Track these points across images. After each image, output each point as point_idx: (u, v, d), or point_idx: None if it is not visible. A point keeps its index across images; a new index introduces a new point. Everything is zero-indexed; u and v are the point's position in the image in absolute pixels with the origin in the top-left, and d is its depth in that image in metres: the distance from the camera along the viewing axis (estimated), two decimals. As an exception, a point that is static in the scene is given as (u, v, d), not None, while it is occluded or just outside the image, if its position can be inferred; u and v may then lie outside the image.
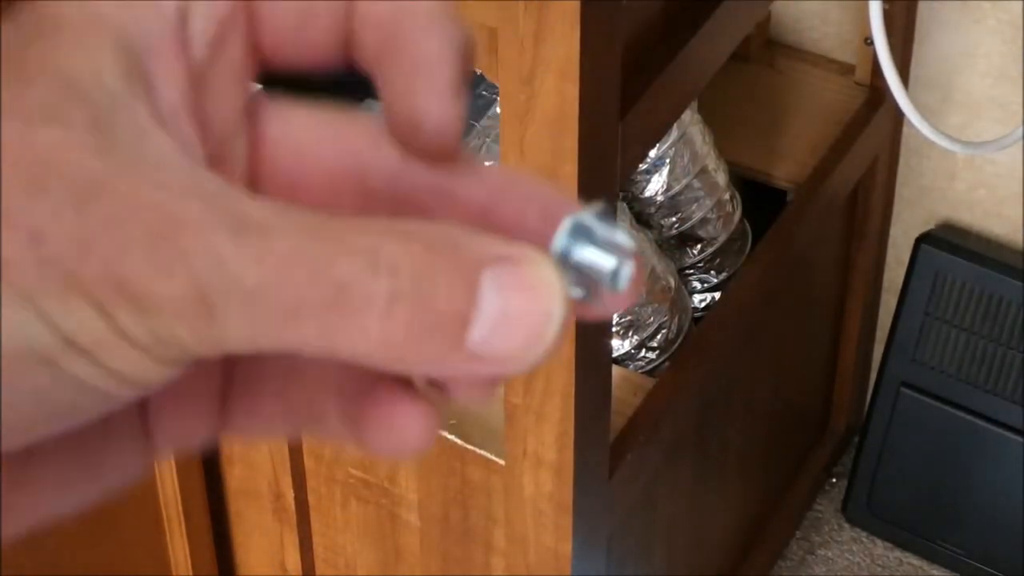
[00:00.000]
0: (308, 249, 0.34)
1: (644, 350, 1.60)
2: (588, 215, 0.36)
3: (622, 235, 0.36)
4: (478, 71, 1.25)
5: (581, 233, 0.36)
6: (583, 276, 0.35)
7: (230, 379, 0.39)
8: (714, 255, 1.70)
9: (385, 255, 0.34)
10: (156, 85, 0.36)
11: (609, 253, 0.36)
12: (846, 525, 2.07)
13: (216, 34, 0.37)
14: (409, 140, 0.38)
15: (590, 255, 0.35)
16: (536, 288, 0.34)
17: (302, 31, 0.39)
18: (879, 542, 2.05)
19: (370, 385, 0.37)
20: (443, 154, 0.38)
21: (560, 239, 0.35)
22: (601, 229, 0.36)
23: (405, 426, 0.37)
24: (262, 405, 0.39)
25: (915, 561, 2.03)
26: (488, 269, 0.34)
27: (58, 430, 0.35)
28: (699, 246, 1.69)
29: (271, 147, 0.39)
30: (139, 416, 0.38)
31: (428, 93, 0.37)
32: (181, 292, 0.34)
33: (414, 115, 0.37)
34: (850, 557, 2.04)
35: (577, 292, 0.36)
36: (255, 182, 0.39)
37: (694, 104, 1.61)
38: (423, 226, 0.35)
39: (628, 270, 0.36)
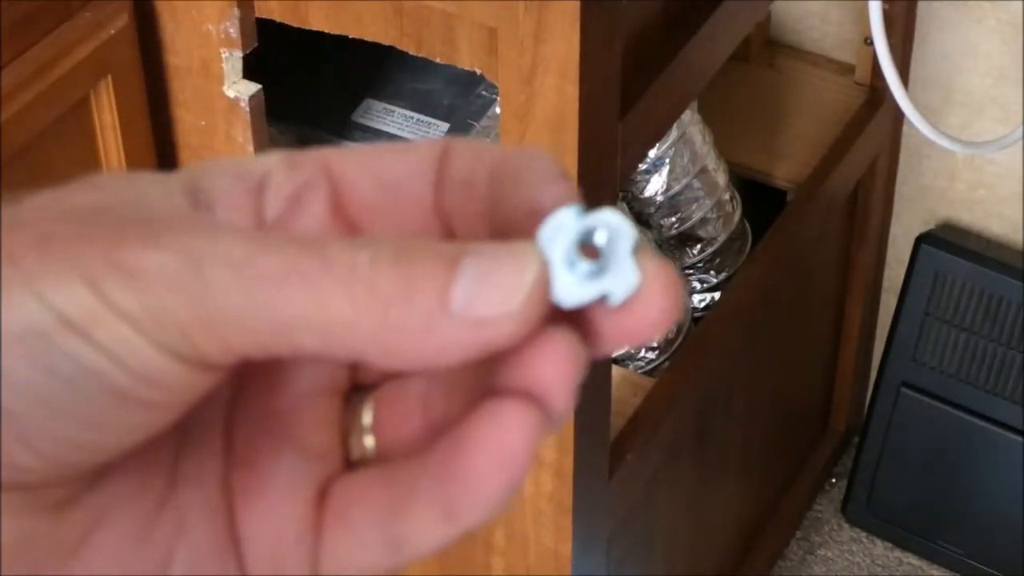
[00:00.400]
0: (298, 236, 0.36)
1: (644, 350, 1.60)
2: (567, 211, 0.36)
3: (608, 214, 0.36)
4: (478, 71, 1.25)
5: (563, 224, 0.36)
6: (587, 266, 0.36)
7: (323, 496, 0.39)
8: (714, 255, 1.70)
9: (368, 240, 0.36)
10: (221, 218, 0.38)
11: (594, 229, 0.36)
12: (846, 525, 2.07)
13: (292, 193, 0.38)
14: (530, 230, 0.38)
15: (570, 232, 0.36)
16: (513, 246, 0.35)
17: (386, 204, 0.39)
18: (879, 542, 2.05)
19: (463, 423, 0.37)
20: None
21: (543, 235, 0.36)
22: (586, 217, 0.36)
23: (511, 424, 0.36)
24: (354, 501, 0.38)
25: (915, 561, 2.03)
26: (469, 251, 0.35)
27: (72, 439, 0.35)
28: (699, 246, 1.69)
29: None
30: (225, 517, 0.39)
31: (539, 183, 0.38)
32: (170, 260, 0.35)
33: (532, 204, 0.38)
34: (850, 557, 2.04)
35: (584, 290, 0.36)
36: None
37: (694, 104, 1.61)
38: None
39: (619, 239, 0.36)
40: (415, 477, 0.37)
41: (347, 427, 0.39)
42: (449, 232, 0.39)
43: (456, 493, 0.36)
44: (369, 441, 0.39)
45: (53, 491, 0.36)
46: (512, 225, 0.38)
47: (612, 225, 0.36)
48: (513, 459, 0.36)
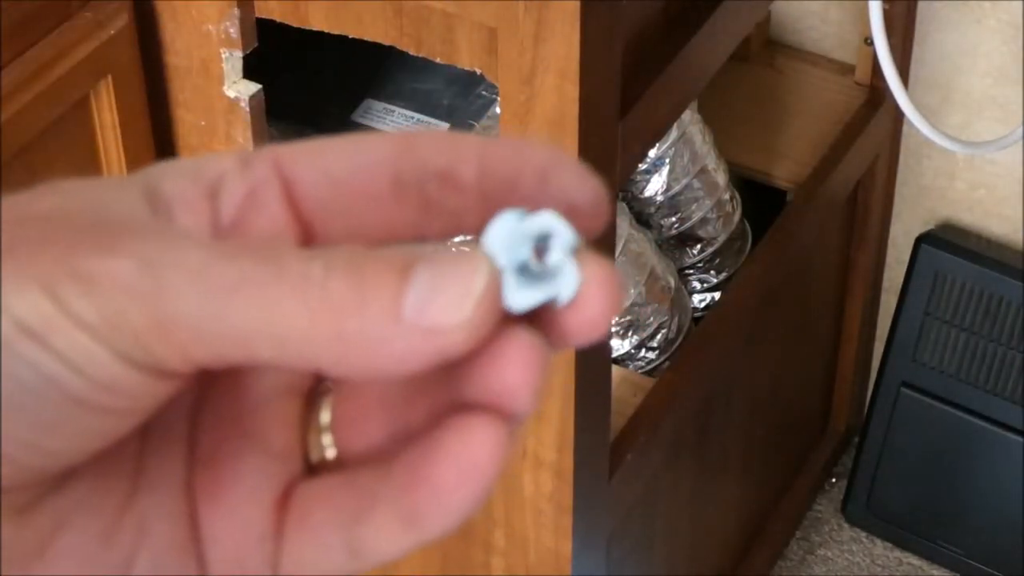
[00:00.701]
0: (254, 245, 0.36)
1: (644, 350, 1.60)
2: (509, 215, 0.37)
3: (549, 217, 0.37)
4: (478, 71, 1.25)
5: (505, 230, 0.37)
6: (529, 271, 0.37)
7: (286, 498, 0.39)
8: (714, 255, 1.70)
9: (323, 251, 0.36)
10: (179, 223, 0.38)
11: (530, 238, 0.37)
12: (846, 525, 2.07)
13: (246, 194, 0.38)
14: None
15: (515, 239, 0.37)
16: (463, 255, 0.36)
17: (339, 201, 0.39)
18: (879, 542, 2.05)
19: (428, 440, 0.37)
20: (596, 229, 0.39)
21: (487, 240, 0.37)
22: (526, 221, 0.37)
23: (479, 439, 0.36)
24: (317, 504, 0.39)
25: (915, 561, 2.03)
26: (421, 259, 0.36)
27: (35, 444, 0.36)
28: (699, 246, 1.69)
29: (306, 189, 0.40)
30: (188, 520, 0.39)
31: (574, 181, 0.38)
32: (127, 267, 0.35)
33: (567, 197, 0.38)
34: (850, 557, 2.04)
35: (533, 293, 0.37)
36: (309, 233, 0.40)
37: (694, 104, 1.61)
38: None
39: (562, 242, 0.37)
40: (379, 484, 0.37)
41: (307, 426, 0.40)
42: (416, 226, 0.39)
43: (421, 502, 0.37)
44: (327, 440, 0.39)
45: (16, 495, 0.37)
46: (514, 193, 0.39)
47: (554, 227, 0.37)
48: (481, 472, 0.36)
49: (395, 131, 0.36)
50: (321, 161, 0.39)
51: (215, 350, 0.35)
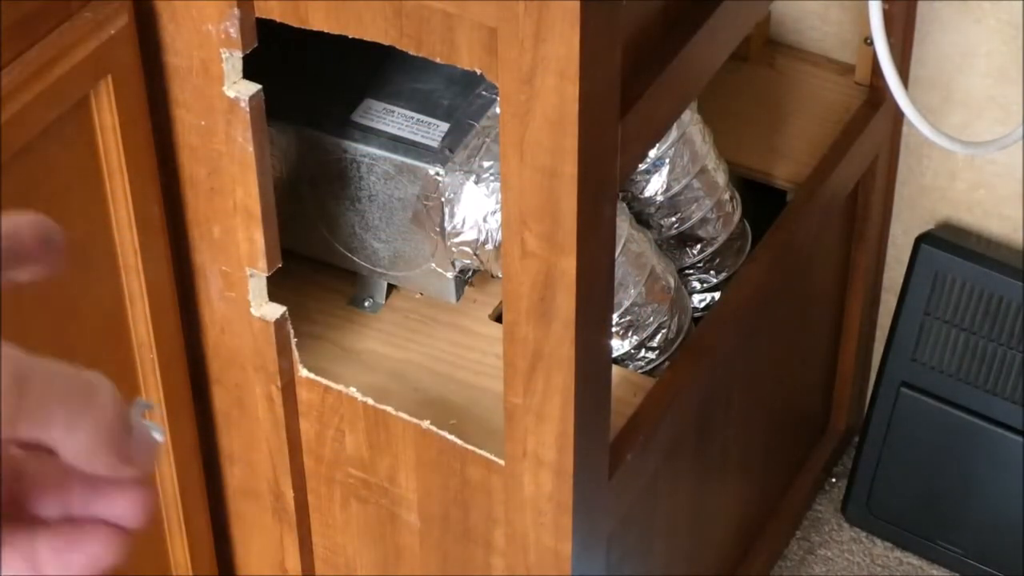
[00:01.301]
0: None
1: (644, 350, 1.60)
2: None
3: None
4: (478, 71, 1.25)
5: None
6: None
7: None
8: (714, 255, 1.70)
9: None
10: None
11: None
12: (846, 525, 2.07)
13: None
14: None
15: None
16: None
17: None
18: (879, 542, 2.05)
19: None
20: None
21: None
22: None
23: None
24: None
25: (915, 561, 2.03)
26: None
27: None
28: (699, 246, 1.69)
29: None
30: None
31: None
32: None
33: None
34: (850, 557, 2.05)
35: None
36: None
37: (694, 104, 1.61)
38: None
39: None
40: None
41: None
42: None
43: None
44: None
45: None
46: None
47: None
48: None
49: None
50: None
51: None
